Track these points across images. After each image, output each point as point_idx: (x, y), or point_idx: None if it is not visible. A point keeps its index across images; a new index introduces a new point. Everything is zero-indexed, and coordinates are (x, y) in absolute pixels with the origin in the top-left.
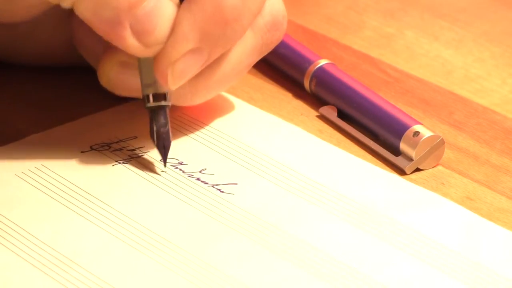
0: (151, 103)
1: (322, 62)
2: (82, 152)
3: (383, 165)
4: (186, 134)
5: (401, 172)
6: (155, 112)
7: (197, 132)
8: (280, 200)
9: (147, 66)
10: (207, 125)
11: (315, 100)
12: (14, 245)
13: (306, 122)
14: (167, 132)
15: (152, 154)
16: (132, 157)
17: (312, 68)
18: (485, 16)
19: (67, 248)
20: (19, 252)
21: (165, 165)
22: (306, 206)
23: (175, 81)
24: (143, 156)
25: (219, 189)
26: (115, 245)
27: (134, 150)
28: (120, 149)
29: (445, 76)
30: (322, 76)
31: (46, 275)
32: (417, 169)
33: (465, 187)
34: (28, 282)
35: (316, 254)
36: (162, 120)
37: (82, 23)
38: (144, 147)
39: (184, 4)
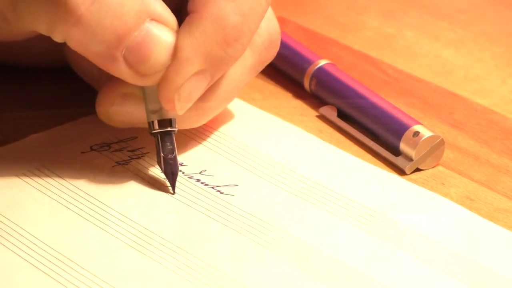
0: (157, 129)
1: (322, 62)
2: (82, 152)
3: (383, 165)
4: (186, 135)
5: (401, 172)
6: (161, 139)
7: (197, 133)
8: (280, 201)
9: (151, 93)
10: (207, 126)
11: (315, 100)
12: (14, 245)
13: (306, 122)
14: (175, 158)
15: (152, 155)
16: (132, 158)
17: (312, 68)
18: (485, 16)
19: (67, 248)
20: (19, 252)
21: (173, 192)
22: (306, 207)
23: (182, 106)
24: (143, 156)
25: (219, 190)
26: (114, 246)
27: (134, 150)
28: (120, 150)
29: (445, 76)
30: (322, 76)
31: (47, 275)
32: (417, 169)
33: (465, 187)
34: (28, 282)
35: (317, 255)
36: (168, 146)
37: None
38: (144, 147)
39: (183, 28)
